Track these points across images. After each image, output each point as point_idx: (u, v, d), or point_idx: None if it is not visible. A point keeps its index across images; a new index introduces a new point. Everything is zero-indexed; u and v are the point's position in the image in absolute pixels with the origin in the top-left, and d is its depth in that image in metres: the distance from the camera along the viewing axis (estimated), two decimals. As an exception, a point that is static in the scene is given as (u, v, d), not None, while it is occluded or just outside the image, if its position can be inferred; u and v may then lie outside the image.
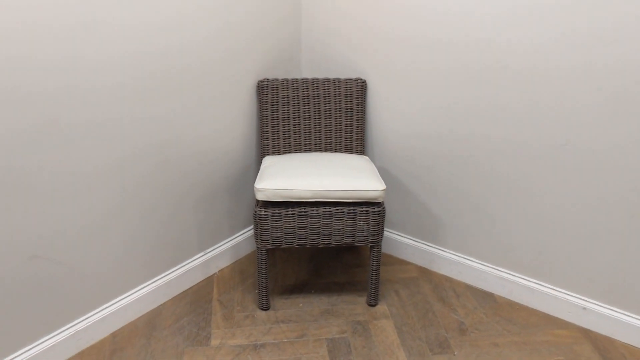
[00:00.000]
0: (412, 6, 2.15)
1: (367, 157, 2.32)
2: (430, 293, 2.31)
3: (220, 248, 2.43)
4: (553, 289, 2.15)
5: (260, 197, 2.01)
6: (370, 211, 2.04)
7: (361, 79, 2.35)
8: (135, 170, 1.96)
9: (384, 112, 2.37)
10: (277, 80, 2.33)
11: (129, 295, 2.09)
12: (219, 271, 2.44)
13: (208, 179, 2.28)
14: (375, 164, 2.48)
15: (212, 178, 2.29)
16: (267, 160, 2.24)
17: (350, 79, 2.35)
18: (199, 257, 2.35)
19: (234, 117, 2.30)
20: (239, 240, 2.51)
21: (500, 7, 1.94)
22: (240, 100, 2.31)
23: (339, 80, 2.35)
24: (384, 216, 2.06)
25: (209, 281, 2.37)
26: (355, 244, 2.09)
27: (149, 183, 2.03)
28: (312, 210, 2.03)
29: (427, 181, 2.35)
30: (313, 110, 2.36)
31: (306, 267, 2.49)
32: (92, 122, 1.77)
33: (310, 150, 2.39)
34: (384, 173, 2.47)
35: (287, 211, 2.03)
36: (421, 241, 2.48)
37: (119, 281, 2.04)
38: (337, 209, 2.04)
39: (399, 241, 2.53)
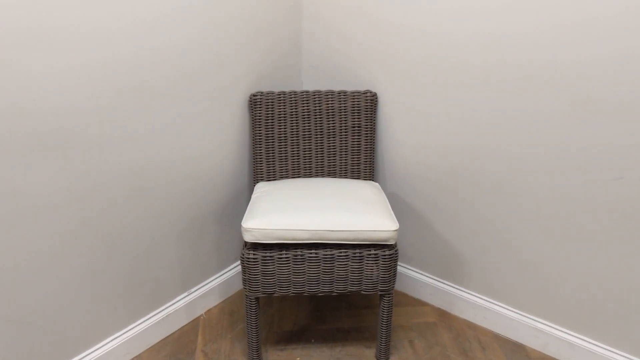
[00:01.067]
0: (432, 6, 1.79)
1: (377, 184, 1.97)
2: (451, 344, 1.97)
3: (208, 286, 2.11)
4: (598, 346, 1.80)
5: (249, 238, 1.68)
6: (380, 255, 1.70)
7: (371, 92, 2.00)
8: (101, 199, 1.64)
9: (398, 131, 2.02)
10: (273, 93, 1.99)
11: (96, 350, 1.78)
12: (205, 312, 2.12)
13: (192, 208, 1.95)
14: (386, 189, 2.14)
15: (197, 207, 1.97)
16: (260, 188, 1.91)
17: (359, 92, 2.00)
18: (182, 298, 2.03)
19: (222, 138, 1.97)
20: (229, 276, 2.19)
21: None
22: (229, 117, 1.98)
23: (345, 93, 2.01)
24: (396, 260, 1.72)
25: (194, 325, 2.05)
26: (363, 292, 1.75)
27: (118, 215, 1.71)
28: (311, 253, 1.70)
29: (447, 212, 2.00)
30: (314, 128, 2.02)
31: (306, 308, 2.16)
32: (44, 141, 1.45)
33: (310, 175, 2.05)
34: (396, 200, 2.12)
35: (281, 254, 1.70)
36: (440, 279, 2.14)
37: (83, 334, 1.72)
38: (340, 252, 1.70)
39: (414, 278, 2.19)
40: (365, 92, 2.00)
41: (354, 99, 2.01)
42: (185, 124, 1.82)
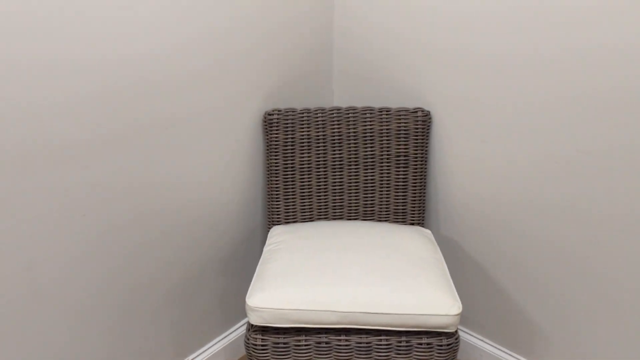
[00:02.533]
0: (502, 4, 1.29)
1: (428, 233, 1.50)
2: None
3: (209, 351, 1.67)
4: None
5: (256, 319, 1.23)
6: (435, 345, 1.23)
7: (423, 110, 1.52)
8: (64, 256, 1.22)
9: (458, 161, 1.53)
10: (294, 111, 1.52)
11: None
12: (207, 384, 1.69)
13: (188, 258, 1.51)
14: (439, 233, 1.66)
15: (195, 257, 1.53)
16: (275, 237, 1.46)
17: (406, 110, 1.52)
18: (176, 369, 1.60)
19: (227, 170, 1.52)
20: (236, 336, 1.75)
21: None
22: (236, 144, 1.52)
23: (388, 111, 1.53)
24: (456, 352, 1.25)
25: (191, 401, 1.63)
26: (409, 391, 1.29)
27: (88, 275, 1.28)
28: (340, 341, 1.24)
29: (521, 266, 1.52)
30: (347, 157, 1.55)
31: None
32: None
33: (341, 217, 1.59)
34: (452, 247, 1.64)
35: (299, 341, 1.24)
36: (505, 349, 1.66)
37: None
38: (381, 340, 1.24)
39: (471, 344, 1.72)
40: (414, 111, 1.52)
41: (399, 119, 1.52)
42: (176, 155, 1.38)
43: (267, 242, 1.46)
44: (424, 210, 1.57)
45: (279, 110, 1.52)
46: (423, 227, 1.57)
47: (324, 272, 1.27)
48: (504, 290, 1.59)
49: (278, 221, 1.57)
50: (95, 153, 1.21)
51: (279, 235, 1.47)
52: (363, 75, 1.64)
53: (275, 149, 1.53)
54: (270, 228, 1.56)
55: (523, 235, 1.47)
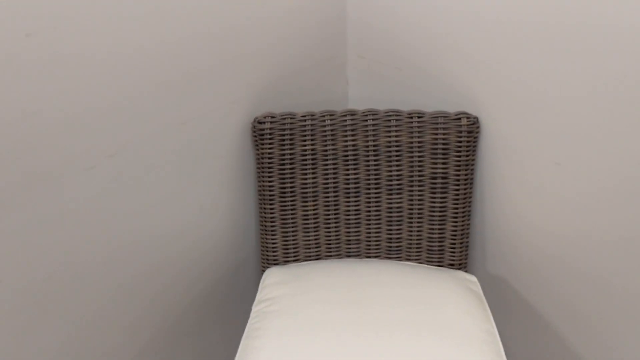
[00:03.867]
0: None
1: (474, 281, 1.12)
2: None
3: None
4: None
5: None
6: None
7: (468, 115, 1.11)
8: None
9: (518, 188, 1.13)
10: (293, 116, 1.13)
11: None
12: None
13: (157, 312, 1.17)
14: (485, 271, 1.27)
15: (166, 309, 1.19)
16: (267, 289, 1.10)
17: (446, 115, 1.12)
18: None
19: (206, 195, 1.15)
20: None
21: None
22: (218, 162, 1.15)
23: (421, 115, 1.13)
24: None
25: None
26: None
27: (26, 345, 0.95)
28: None
29: (592, 326, 1.14)
30: (365, 177, 1.16)
31: None
32: None
33: (358, 255, 1.21)
34: (501, 288, 1.26)
35: None
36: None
37: None
38: None
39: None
40: (457, 117, 1.12)
41: (437, 127, 1.12)
42: (136, 181, 1.01)
43: (258, 295, 1.11)
44: (466, 249, 1.18)
45: (272, 116, 1.13)
46: (466, 271, 1.19)
47: (328, 344, 0.91)
48: (565, 339, 1.22)
49: (275, 260, 1.20)
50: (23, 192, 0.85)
51: (273, 285, 1.11)
52: (387, 67, 1.23)
53: (269, 168, 1.15)
54: (264, 270, 1.20)
55: (602, 294, 1.08)
